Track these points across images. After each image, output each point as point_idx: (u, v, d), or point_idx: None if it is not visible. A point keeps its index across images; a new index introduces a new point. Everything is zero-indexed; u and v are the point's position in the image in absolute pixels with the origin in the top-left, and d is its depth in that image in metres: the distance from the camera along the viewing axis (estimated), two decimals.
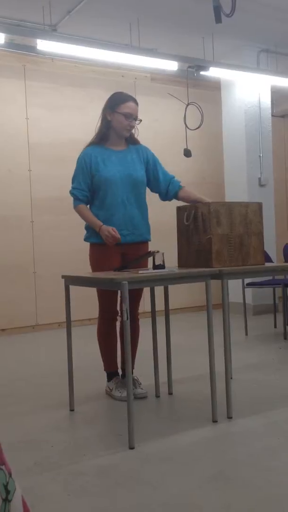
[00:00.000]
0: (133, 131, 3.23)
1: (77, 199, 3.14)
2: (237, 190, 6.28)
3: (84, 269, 3.25)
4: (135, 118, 3.14)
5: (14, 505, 0.84)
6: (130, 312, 2.63)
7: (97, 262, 3.14)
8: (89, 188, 3.12)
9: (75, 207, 3.16)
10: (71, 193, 3.17)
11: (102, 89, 5.86)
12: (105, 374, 3.27)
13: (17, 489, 0.84)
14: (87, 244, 3.21)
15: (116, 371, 3.25)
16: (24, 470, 2.19)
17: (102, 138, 3.17)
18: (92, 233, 3.15)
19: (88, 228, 3.18)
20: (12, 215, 5.62)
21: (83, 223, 3.23)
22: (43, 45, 4.79)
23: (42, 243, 5.77)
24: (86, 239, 3.20)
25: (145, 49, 5.38)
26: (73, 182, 3.18)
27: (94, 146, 3.17)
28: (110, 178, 3.06)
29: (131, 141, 3.24)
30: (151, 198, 3.34)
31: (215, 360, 2.71)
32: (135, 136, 3.26)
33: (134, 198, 3.14)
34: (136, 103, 3.17)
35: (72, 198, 3.18)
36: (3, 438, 2.51)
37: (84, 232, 3.22)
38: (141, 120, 3.19)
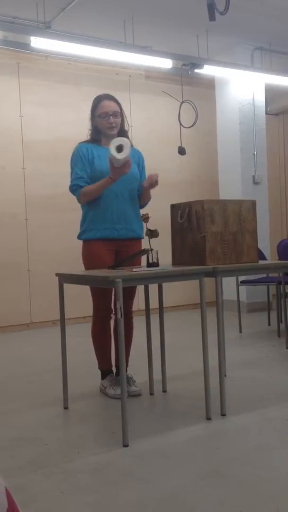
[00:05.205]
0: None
1: (78, 188, 3.07)
2: (231, 188, 6.29)
3: (79, 267, 3.25)
4: (113, 114, 3.12)
5: None
6: (123, 309, 2.63)
7: (90, 260, 3.12)
8: (89, 176, 3.07)
9: (79, 195, 3.08)
10: (71, 186, 3.10)
11: (96, 86, 5.85)
12: (99, 372, 3.27)
13: (0, 482, 0.85)
14: (81, 242, 3.19)
15: (110, 369, 3.25)
16: (18, 468, 2.19)
17: (94, 140, 3.20)
18: (85, 230, 3.13)
19: (82, 225, 3.16)
20: (6, 213, 5.60)
21: (78, 220, 3.22)
22: (37, 42, 4.78)
23: (36, 240, 5.75)
24: (79, 237, 3.19)
25: (140, 46, 5.38)
26: (71, 175, 3.13)
27: (88, 143, 3.19)
28: (105, 172, 3.03)
29: None
30: None
31: (209, 358, 2.71)
32: (127, 130, 3.26)
33: (127, 193, 3.13)
34: (111, 99, 3.15)
35: (67, 197, 3.16)
36: None
37: (78, 230, 3.21)
38: (121, 112, 3.16)
